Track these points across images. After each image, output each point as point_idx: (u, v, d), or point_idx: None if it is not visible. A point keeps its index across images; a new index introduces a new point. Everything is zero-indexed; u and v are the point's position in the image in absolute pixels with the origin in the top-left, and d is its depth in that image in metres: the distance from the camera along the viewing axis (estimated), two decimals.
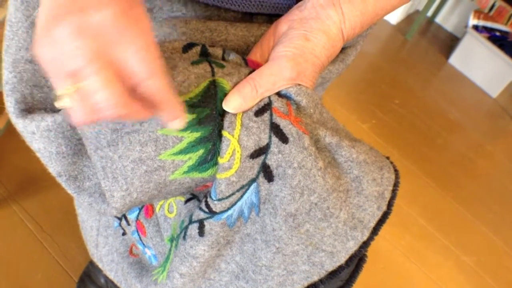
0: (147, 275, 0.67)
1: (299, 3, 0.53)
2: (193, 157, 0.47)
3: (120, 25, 0.36)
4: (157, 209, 0.62)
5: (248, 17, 0.57)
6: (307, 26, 0.50)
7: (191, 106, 0.46)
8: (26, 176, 1.50)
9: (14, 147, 1.53)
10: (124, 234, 0.74)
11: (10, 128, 1.42)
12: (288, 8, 0.55)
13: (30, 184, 1.49)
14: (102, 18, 0.36)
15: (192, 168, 0.48)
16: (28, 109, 0.52)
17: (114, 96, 0.36)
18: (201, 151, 0.47)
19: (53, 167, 0.51)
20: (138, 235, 0.67)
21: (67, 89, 0.36)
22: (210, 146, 0.47)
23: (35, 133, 0.50)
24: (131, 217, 0.67)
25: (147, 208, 0.64)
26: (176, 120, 0.42)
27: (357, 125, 2.29)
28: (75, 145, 0.51)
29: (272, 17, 0.57)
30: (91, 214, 0.79)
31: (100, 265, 0.82)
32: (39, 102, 0.54)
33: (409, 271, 1.78)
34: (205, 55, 0.50)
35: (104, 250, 0.79)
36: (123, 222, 0.69)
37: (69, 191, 0.52)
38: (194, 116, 0.46)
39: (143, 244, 0.68)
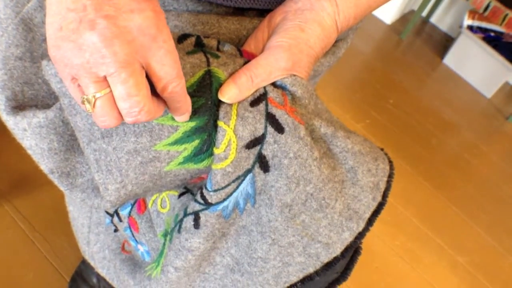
0: (140, 271, 0.67)
1: None
2: (189, 147, 0.47)
3: (153, 29, 0.36)
4: (149, 205, 0.62)
5: (239, 12, 0.57)
6: (302, 17, 0.51)
7: None
8: (18, 175, 1.50)
9: (5, 146, 1.53)
10: (116, 231, 0.73)
11: (1, 127, 1.41)
12: (279, 2, 0.56)
13: (22, 183, 1.48)
14: (138, 22, 0.36)
15: (188, 159, 0.48)
16: (19, 106, 0.52)
17: (141, 103, 0.37)
18: (196, 142, 0.47)
19: (45, 164, 0.51)
20: (131, 231, 0.67)
21: (92, 94, 0.37)
22: (206, 137, 0.47)
23: (26, 130, 0.50)
24: (123, 213, 0.66)
25: (139, 204, 0.64)
26: (185, 114, 0.44)
27: (351, 124, 2.29)
28: (67, 141, 0.51)
29: (263, 11, 0.57)
30: (82, 211, 0.79)
31: (92, 263, 0.82)
32: (30, 99, 0.53)
33: (403, 271, 1.78)
34: (200, 45, 0.50)
35: (95, 247, 0.79)
36: (115, 218, 0.69)
37: (62, 188, 0.52)
38: None
39: (136, 241, 0.67)
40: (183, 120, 0.45)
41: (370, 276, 1.71)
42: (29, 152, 0.51)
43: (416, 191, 2.13)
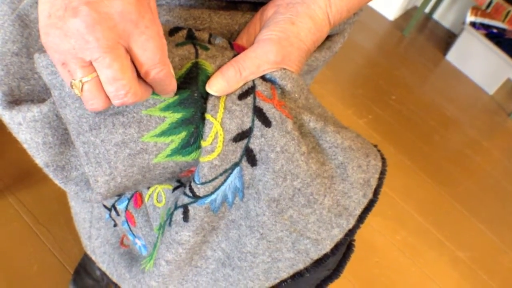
0: (136, 265, 0.67)
1: None
2: (176, 139, 0.47)
3: (134, 14, 0.37)
4: (146, 199, 0.62)
5: (232, 6, 0.57)
6: (293, 10, 0.50)
7: None
8: (22, 168, 1.50)
9: (9, 139, 1.53)
10: (115, 225, 0.74)
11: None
12: None
13: (26, 176, 1.49)
14: (119, 8, 0.36)
15: (175, 151, 0.48)
16: (15, 101, 0.52)
17: (127, 86, 0.38)
18: (183, 134, 0.47)
19: (40, 157, 0.51)
20: (128, 225, 0.67)
21: (80, 79, 0.38)
22: (193, 129, 0.47)
23: (21, 124, 0.50)
24: (120, 207, 0.67)
25: (136, 198, 0.64)
26: (170, 92, 0.44)
27: (353, 120, 2.30)
28: (61, 135, 0.52)
29: (256, 5, 0.57)
30: (83, 206, 0.79)
31: (93, 257, 0.82)
32: (26, 94, 0.54)
33: (403, 266, 1.79)
34: (191, 38, 0.50)
35: (96, 242, 0.79)
36: (113, 213, 0.69)
37: (56, 182, 0.53)
38: (175, 97, 0.46)
39: (133, 235, 0.68)
40: (167, 96, 0.45)
41: (371, 270, 1.72)
42: (25, 146, 0.52)
43: (418, 186, 2.13)
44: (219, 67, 0.48)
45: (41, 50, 0.54)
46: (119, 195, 0.66)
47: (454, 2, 3.33)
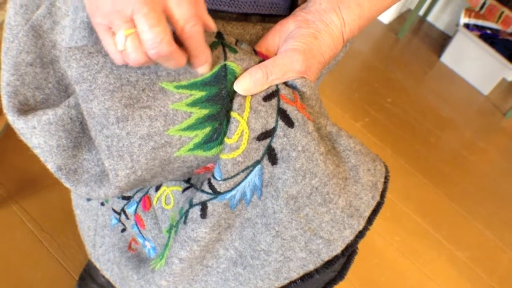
0: (144, 266, 0.68)
1: (303, 5, 0.58)
2: (200, 134, 0.49)
3: None
4: (154, 202, 0.64)
5: (242, 17, 0.59)
6: (314, 26, 0.55)
7: (202, 84, 0.49)
8: (26, 176, 1.51)
9: (13, 147, 1.54)
10: (124, 230, 0.75)
11: (9, 129, 1.43)
12: (282, 7, 0.59)
13: (30, 184, 1.50)
14: None
15: (198, 146, 0.50)
16: (30, 110, 0.53)
17: (161, 33, 0.41)
18: (207, 129, 0.50)
19: (53, 161, 0.52)
20: (138, 228, 0.68)
21: (123, 33, 0.42)
22: (217, 125, 0.50)
23: (35, 127, 0.51)
24: (130, 211, 0.68)
25: (144, 201, 0.65)
26: (204, 65, 0.48)
27: (350, 123, 2.31)
28: (75, 138, 0.53)
29: (265, 18, 0.61)
30: (88, 215, 0.80)
31: (97, 265, 0.83)
32: (41, 103, 0.55)
33: (403, 266, 1.80)
34: (220, 38, 0.53)
35: (100, 250, 0.80)
36: (123, 217, 0.70)
37: (67, 185, 0.53)
38: (203, 93, 0.49)
39: (143, 237, 0.69)
40: (204, 71, 0.48)
41: (371, 271, 1.73)
42: (37, 151, 0.52)
43: (415, 188, 2.15)
44: (246, 70, 0.51)
45: (55, 61, 0.56)
46: (128, 199, 0.67)
47: (448, 4, 3.36)
